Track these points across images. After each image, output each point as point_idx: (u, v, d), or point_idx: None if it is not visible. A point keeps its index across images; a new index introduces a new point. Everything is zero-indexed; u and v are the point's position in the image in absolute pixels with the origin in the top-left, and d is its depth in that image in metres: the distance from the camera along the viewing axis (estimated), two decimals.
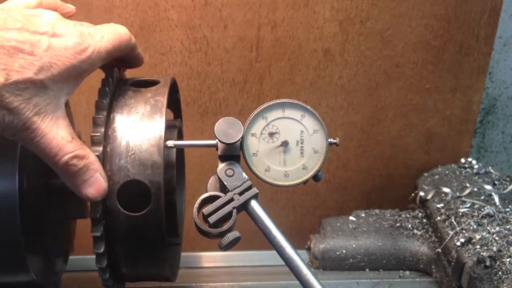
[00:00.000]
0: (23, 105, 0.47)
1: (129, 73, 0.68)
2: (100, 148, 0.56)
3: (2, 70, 0.46)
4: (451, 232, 0.78)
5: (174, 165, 0.67)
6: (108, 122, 0.58)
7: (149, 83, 0.63)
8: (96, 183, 0.53)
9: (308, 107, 0.59)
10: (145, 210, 0.56)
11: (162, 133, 0.57)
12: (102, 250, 0.57)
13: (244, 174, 0.58)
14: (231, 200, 0.57)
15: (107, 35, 0.55)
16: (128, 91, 0.61)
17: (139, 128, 0.58)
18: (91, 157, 0.53)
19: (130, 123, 0.58)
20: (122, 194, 0.56)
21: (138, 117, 0.58)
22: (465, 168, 0.95)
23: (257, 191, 0.57)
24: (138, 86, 0.63)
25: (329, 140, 0.60)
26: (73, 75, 0.51)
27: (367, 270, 0.84)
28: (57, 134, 0.50)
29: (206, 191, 0.58)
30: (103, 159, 0.56)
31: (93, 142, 0.56)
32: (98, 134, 0.56)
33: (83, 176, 0.53)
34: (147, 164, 0.56)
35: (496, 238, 0.74)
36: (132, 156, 0.57)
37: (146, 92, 0.61)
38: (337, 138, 0.60)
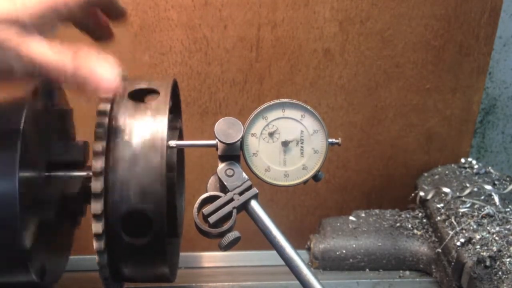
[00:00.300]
0: (6, 36, 0.49)
1: (130, 72, 0.68)
2: (102, 178, 0.56)
3: None
4: (451, 232, 0.78)
5: (175, 166, 0.67)
6: (108, 151, 0.57)
7: (149, 92, 0.63)
8: (107, 78, 0.53)
9: (308, 107, 0.59)
10: (147, 237, 0.57)
11: (164, 162, 0.57)
12: (105, 262, 0.58)
13: (244, 174, 0.58)
14: (231, 200, 0.57)
15: None
16: (127, 109, 0.60)
17: (141, 157, 0.57)
18: (92, 58, 0.53)
19: (131, 151, 0.58)
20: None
21: (139, 144, 0.58)
22: (465, 168, 0.95)
23: (257, 191, 0.57)
24: (137, 97, 0.62)
25: (331, 140, 0.60)
26: (51, 17, 0.52)
27: (367, 270, 0.84)
28: (50, 52, 0.51)
29: (206, 191, 0.58)
30: (105, 188, 0.56)
31: (95, 174, 0.56)
32: (99, 168, 0.56)
33: (93, 77, 0.52)
34: (149, 194, 0.57)
35: (496, 238, 0.74)
36: (134, 186, 0.57)
37: (146, 110, 0.60)
38: (339, 138, 0.60)
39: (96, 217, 0.56)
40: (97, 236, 0.56)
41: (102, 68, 0.53)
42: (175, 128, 0.68)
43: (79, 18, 0.60)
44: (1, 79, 0.52)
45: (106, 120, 0.58)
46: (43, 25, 0.52)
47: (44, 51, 0.51)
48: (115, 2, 0.61)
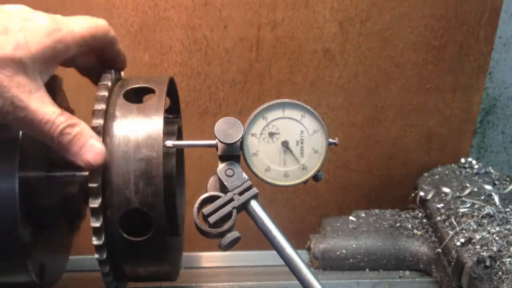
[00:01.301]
0: (7, 83, 0.49)
1: (130, 72, 0.68)
2: (99, 179, 0.56)
3: None
4: (451, 232, 0.78)
5: (175, 166, 0.67)
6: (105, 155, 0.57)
7: (145, 91, 0.63)
8: (93, 148, 0.54)
9: (308, 107, 0.59)
10: (147, 236, 0.57)
11: (160, 159, 0.57)
12: (105, 258, 0.58)
13: (244, 174, 0.58)
14: (231, 200, 0.57)
15: (83, 22, 0.56)
16: (122, 108, 0.60)
17: (137, 154, 0.57)
18: (82, 124, 0.54)
19: (127, 149, 0.58)
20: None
21: (135, 142, 0.58)
22: (465, 168, 0.95)
23: (257, 191, 0.57)
24: (133, 97, 0.62)
25: (328, 140, 0.60)
26: (49, 55, 0.52)
27: (367, 270, 0.84)
28: (46, 109, 0.51)
29: (206, 191, 0.58)
30: (103, 184, 0.56)
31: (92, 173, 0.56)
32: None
33: (79, 142, 0.53)
34: (148, 193, 0.57)
35: (496, 238, 0.74)
36: (134, 186, 0.57)
37: (142, 109, 0.60)
38: (336, 138, 0.60)
39: (94, 212, 0.56)
40: (96, 231, 0.56)
41: (89, 137, 0.54)
42: (173, 127, 0.68)
43: (80, 61, 0.61)
44: None
45: (102, 120, 0.58)
46: (43, 64, 0.52)
47: (42, 111, 0.51)
48: (115, 46, 0.61)
